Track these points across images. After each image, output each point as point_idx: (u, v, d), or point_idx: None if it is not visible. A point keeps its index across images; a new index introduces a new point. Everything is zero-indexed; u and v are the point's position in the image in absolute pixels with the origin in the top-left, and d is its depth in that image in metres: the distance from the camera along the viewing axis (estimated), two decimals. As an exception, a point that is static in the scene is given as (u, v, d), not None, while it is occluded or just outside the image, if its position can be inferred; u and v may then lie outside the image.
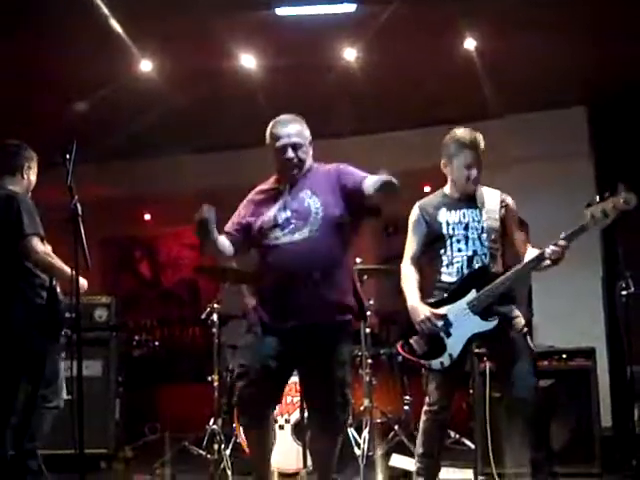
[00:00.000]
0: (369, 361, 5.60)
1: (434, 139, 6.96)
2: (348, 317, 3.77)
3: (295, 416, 5.07)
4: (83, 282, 4.09)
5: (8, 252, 4.15)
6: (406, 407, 5.99)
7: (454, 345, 3.96)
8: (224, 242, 3.83)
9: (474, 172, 4.09)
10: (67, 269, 3.96)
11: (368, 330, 5.65)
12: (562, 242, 3.83)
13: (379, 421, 5.79)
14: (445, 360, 3.97)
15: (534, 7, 5.09)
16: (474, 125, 6.86)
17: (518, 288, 4.26)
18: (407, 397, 6.03)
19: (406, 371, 6.14)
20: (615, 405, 6.05)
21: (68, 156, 3.76)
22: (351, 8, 5.05)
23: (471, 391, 5.24)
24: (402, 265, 4.23)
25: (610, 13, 5.17)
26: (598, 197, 3.82)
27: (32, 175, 4.41)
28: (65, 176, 3.78)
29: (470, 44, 5.65)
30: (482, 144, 4.11)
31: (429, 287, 4.15)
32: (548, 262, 3.89)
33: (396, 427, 5.68)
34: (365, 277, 5.65)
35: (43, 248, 4.12)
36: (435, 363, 3.99)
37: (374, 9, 5.08)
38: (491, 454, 4.59)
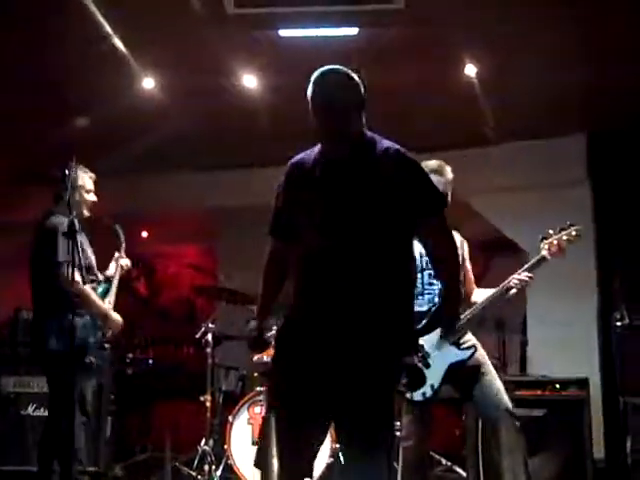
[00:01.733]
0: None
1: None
2: None
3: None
4: (118, 319, 4.19)
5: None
6: (397, 433, 5.94)
7: (434, 375, 4.00)
8: None
9: None
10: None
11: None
12: (525, 274, 4.10)
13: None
14: (427, 391, 4.02)
15: (534, 35, 5.12)
16: (473, 151, 7.01)
17: (510, 316, 4.33)
18: (398, 423, 5.99)
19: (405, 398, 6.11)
20: (608, 436, 6.02)
21: (67, 172, 3.77)
22: (353, 31, 5.08)
23: (463, 418, 5.23)
24: None
25: (611, 42, 5.19)
26: (551, 230, 4.21)
27: (79, 196, 4.41)
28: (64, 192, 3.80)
29: (470, 70, 5.67)
30: (449, 174, 4.23)
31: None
32: (514, 291, 4.13)
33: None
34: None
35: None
36: (417, 395, 4.01)
37: (375, 33, 5.10)
38: (482, 481, 4.58)
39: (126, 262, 4.66)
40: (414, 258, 3.20)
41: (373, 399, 2.88)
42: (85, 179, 4.41)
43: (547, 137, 6.88)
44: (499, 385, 4.04)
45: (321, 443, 3.06)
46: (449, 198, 4.09)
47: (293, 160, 3.15)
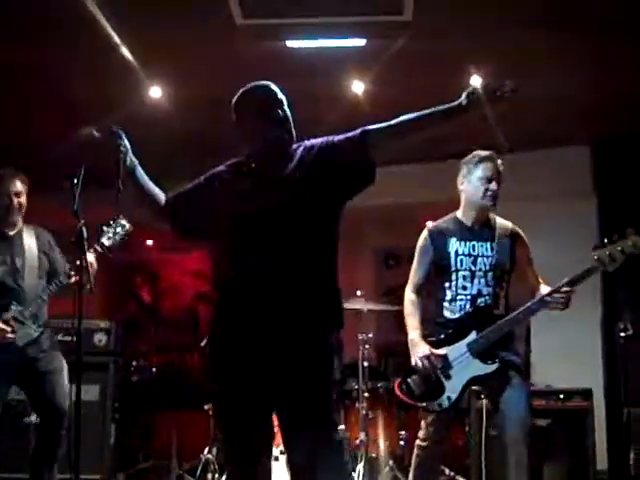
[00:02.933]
0: (366, 394, 5.59)
1: (437, 174, 7.08)
2: None
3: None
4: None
5: None
6: (401, 442, 5.95)
7: (453, 387, 3.89)
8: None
9: (493, 185, 4.01)
10: None
11: (366, 364, 5.64)
12: (565, 288, 3.77)
13: (374, 455, 5.76)
14: (444, 402, 3.90)
15: (540, 46, 5.14)
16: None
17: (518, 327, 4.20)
18: (402, 432, 6.00)
19: (403, 406, 6.11)
20: (611, 447, 6.01)
21: (75, 181, 3.78)
22: (361, 42, 5.10)
23: (467, 428, 5.23)
24: (406, 292, 4.14)
25: (616, 53, 5.21)
26: (606, 240, 3.76)
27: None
28: (72, 200, 3.81)
29: (476, 81, 5.69)
30: (500, 164, 4.07)
31: (428, 317, 4.09)
32: (556, 306, 3.82)
33: (391, 462, 5.65)
34: (365, 309, 5.67)
35: None
36: (433, 405, 3.92)
37: (383, 44, 5.12)
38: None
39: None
40: (336, 239, 3.07)
41: (307, 378, 2.89)
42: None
43: (552, 147, 6.90)
44: (525, 402, 3.83)
45: (269, 446, 3.03)
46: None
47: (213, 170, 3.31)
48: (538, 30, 4.96)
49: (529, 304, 3.89)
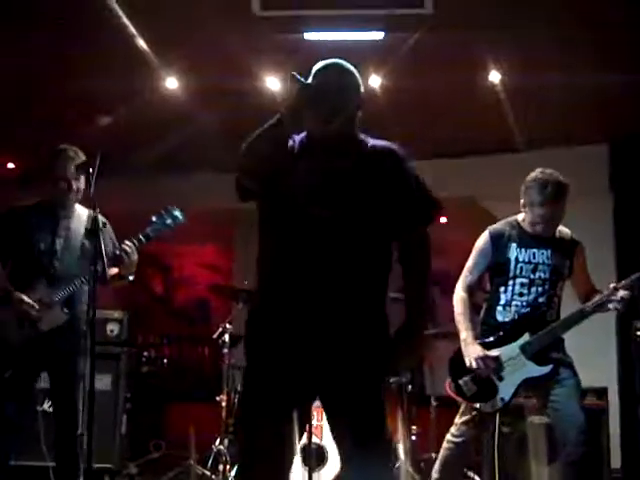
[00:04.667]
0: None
1: (454, 170, 7.06)
2: None
3: (302, 441, 5.03)
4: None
5: None
6: (413, 437, 5.94)
7: (506, 389, 3.89)
8: None
9: (539, 228, 3.97)
10: None
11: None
12: (623, 293, 3.78)
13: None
14: (497, 403, 3.90)
15: (560, 43, 5.11)
16: (496, 158, 6.98)
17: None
18: (414, 427, 5.98)
19: (415, 401, 6.11)
20: (625, 446, 5.99)
21: (91, 169, 3.78)
22: (379, 36, 5.07)
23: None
24: (457, 291, 4.09)
25: (636, 52, 5.17)
26: None
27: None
28: (87, 188, 3.82)
29: (495, 77, 5.66)
30: (565, 192, 3.97)
31: (475, 317, 4.07)
32: (615, 305, 3.83)
33: (402, 457, 5.64)
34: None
35: None
36: (486, 407, 3.92)
37: (401, 38, 5.09)
38: (498, 489, 4.56)
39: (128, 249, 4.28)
40: (391, 252, 2.93)
41: (355, 374, 2.76)
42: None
43: (570, 146, 6.86)
44: (575, 403, 3.85)
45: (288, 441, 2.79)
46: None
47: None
48: (557, 26, 4.93)
49: (582, 307, 3.92)
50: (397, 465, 5.58)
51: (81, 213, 4.37)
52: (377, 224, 2.83)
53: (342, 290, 2.77)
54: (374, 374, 2.83)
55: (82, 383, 4.14)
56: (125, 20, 4.87)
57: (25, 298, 4.10)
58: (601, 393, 5.13)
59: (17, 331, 4.11)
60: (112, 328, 6.14)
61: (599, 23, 4.87)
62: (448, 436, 4.07)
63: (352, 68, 2.96)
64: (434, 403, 5.95)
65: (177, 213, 4.33)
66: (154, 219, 4.29)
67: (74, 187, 4.28)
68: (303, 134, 2.98)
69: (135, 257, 4.25)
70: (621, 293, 3.78)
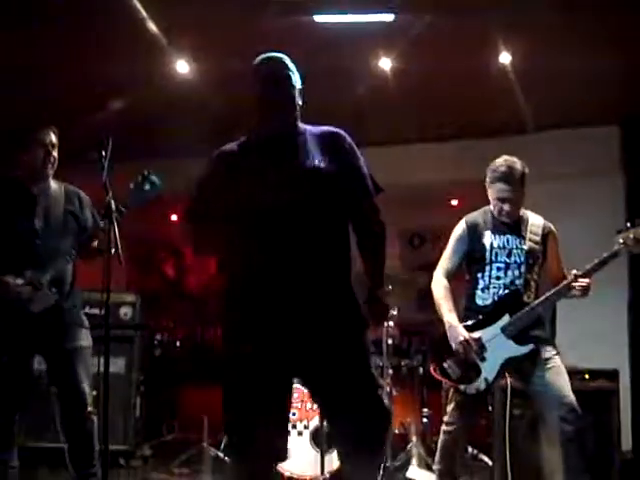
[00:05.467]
0: (390, 372, 5.60)
1: (466, 153, 7.05)
2: None
3: (314, 422, 5.07)
4: None
5: None
6: (425, 419, 5.97)
7: (489, 369, 3.95)
8: None
9: (506, 207, 4.06)
10: None
11: (390, 341, 5.65)
12: (582, 280, 3.88)
13: (397, 432, 5.78)
14: (481, 384, 3.97)
15: (572, 24, 5.08)
16: (507, 140, 6.97)
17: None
18: (425, 410, 6.01)
19: (426, 384, 6.13)
20: (636, 428, 6.01)
21: (104, 153, 3.77)
22: (389, 18, 5.06)
23: (490, 408, 5.22)
24: (436, 277, 4.19)
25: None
26: (629, 223, 3.88)
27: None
28: (100, 173, 3.78)
29: (505, 58, 5.64)
30: (519, 176, 4.04)
31: (457, 306, 4.14)
32: (576, 292, 3.92)
33: (414, 439, 5.67)
34: (389, 287, 5.64)
35: None
36: (471, 388, 3.99)
37: (411, 20, 5.08)
38: (509, 471, 4.57)
39: None
40: (348, 231, 3.12)
41: (334, 349, 2.92)
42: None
43: (581, 127, 6.84)
44: (563, 381, 3.92)
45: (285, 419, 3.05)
46: None
47: (219, 150, 3.21)
48: (569, 8, 4.90)
49: (557, 288, 3.97)
50: (409, 447, 5.63)
51: (56, 187, 4.19)
52: (333, 204, 3.02)
53: (312, 272, 2.93)
54: (353, 346, 2.98)
55: (81, 356, 4.07)
56: (136, 3, 4.87)
57: (15, 280, 3.93)
58: (612, 375, 5.12)
59: (8, 315, 3.94)
60: (125, 311, 6.18)
61: (611, 3, 4.84)
62: (443, 425, 4.15)
63: (287, 59, 3.12)
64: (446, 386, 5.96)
65: (154, 178, 4.02)
66: (132, 187, 4.00)
67: (52, 157, 4.13)
68: (244, 138, 3.18)
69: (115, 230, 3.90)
70: (580, 280, 3.90)
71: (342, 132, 3.17)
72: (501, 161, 4.09)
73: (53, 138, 4.14)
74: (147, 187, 3.98)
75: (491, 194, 4.12)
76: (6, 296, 3.93)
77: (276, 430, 2.99)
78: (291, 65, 3.12)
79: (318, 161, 3.02)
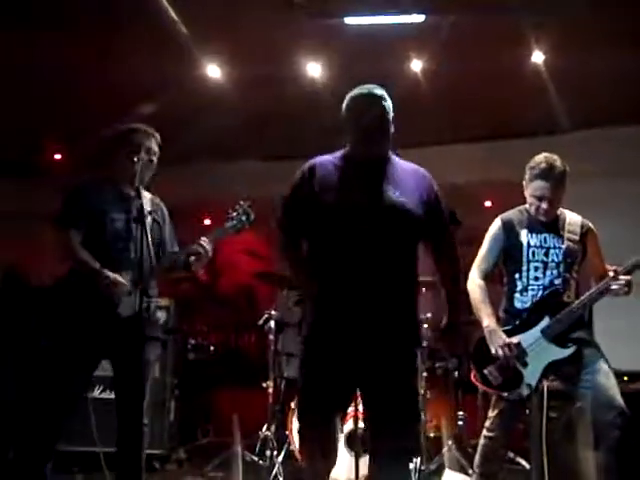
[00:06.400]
0: (424, 374, 5.56)
1: (498, 153, 7.00)
2: None
3: (348, 426, 5.04)
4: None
5: None
6: (460, 422, 5.92)
7: (531, 375, 3.85)
8: None
9: (544, 205, 3.96)
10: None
11: (425, 343, 5.61)
12: (625, 277, 3.78)
13: (432, 435, 5.74)
14: (524, 391, 3.85)
15: (604, 23, 5.03)
16: (537, 140, 6.91)
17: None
18: (461, 413, 5.96)
19: (461, 386, 6.08)
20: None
21: (136, 158, 3.78)
22: (419, 19, 5.04)
23: (527, 411, 5.17)
24: (472, 277, 4.08)
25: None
26: None
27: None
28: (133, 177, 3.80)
29: (538, 57, 5.59)
30: (559, 174, 3.95)
31: (495, 307, 4.03)
32: (618, 290, 3.81)
33: (449, 442, 5.62)
34: (423, 290, 5.61)
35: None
36: (514, 395, 3.89)
37: (442, 20, 5.05)
38: (547, 475, 4.52)
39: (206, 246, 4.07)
40: (417, 252, 3.35)
41: (391, 369, 3.21)
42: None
43: (614, 126, 6.77)
44: (612, 384, 3.81)
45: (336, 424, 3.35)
46: None
47: (312, 162, 3.35)
48: (601, 7, 4.85)
49: (598, 286, 3.87)
50: (444, 450, 5.59)
51: (146, 194, 4.03)
52: (413, 236, 3.30)
53: (387, 293, 3.21)
54: (409, 365, 3.29)
55: (149, 371, 4.00)
56: (167, 6, 4.89)
57: (119, 278, 3.79)
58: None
59: (95, 312, 3.79)
60: (160, 316, 6.18)
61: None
62: (484, 431, 4.06)
63: (384, 92, 3.32)
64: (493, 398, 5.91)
65: (248, 208, 4.12)
66: (232, 214, 4.09)
67: (153, 164, 4.04)
68: (339, 154, 3.37)
69: (210, 253, 4.03)
70: (621, 277, 3.80)
71: (426, 172, 3.43)
72: (541, 158, 3.99)
73: (157, 145, 4.09)
74: (244, 218, 4.11)
75: (529, 192, 4.02)
76: (109, 294, 3.80)
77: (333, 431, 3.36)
78: (386, 96, 3.30)
79: (407, 196, 3.25)
